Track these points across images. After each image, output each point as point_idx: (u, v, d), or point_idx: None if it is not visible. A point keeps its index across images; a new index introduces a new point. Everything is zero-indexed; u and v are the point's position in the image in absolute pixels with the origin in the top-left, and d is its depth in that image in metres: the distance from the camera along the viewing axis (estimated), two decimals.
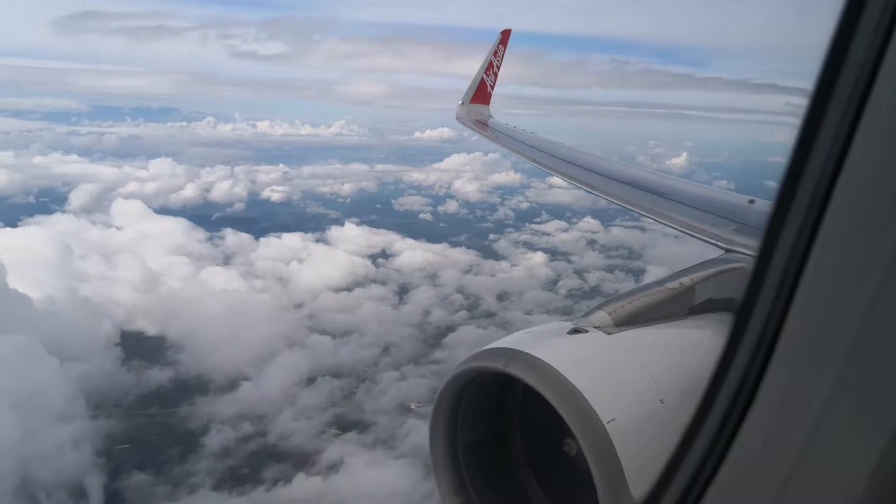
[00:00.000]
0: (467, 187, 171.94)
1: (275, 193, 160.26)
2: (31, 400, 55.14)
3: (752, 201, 6.72)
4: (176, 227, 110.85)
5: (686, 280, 3.71)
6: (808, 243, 1.31)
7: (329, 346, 74.84)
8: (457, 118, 17.23)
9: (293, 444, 58.20)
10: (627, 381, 3.05)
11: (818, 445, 1.30)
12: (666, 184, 8.31)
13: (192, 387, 65.87)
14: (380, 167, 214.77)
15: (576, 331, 3.21)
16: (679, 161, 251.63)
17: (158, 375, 67.12)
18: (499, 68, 17.95)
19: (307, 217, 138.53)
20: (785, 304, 1.36)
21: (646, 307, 3.43)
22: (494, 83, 17.80)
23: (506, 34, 18.26)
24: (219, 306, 79.76)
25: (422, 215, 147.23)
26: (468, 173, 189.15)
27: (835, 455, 1.30)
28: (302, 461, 55.89)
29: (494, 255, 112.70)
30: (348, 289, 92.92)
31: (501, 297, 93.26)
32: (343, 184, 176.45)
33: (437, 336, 79.89)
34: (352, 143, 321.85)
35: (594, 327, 3.26)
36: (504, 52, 18.20)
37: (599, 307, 3.39)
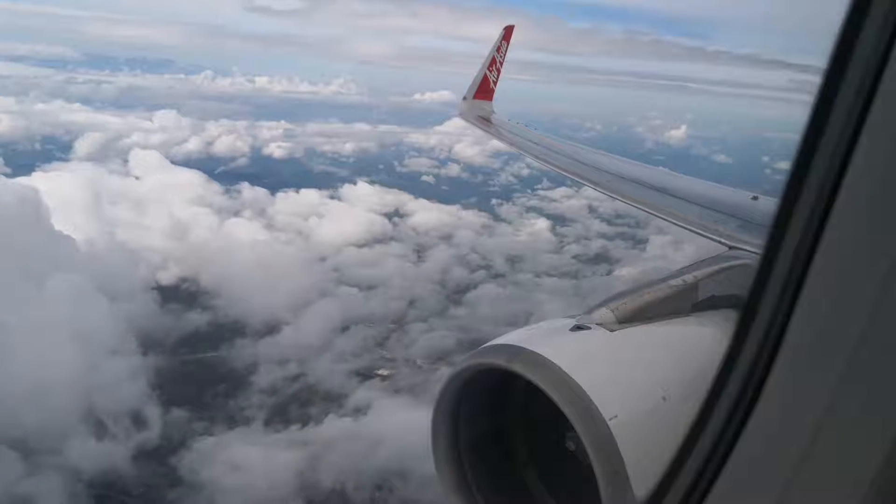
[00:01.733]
0: (468, 151, 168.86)
1: (278, 150, 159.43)
2: (87, 335, 57.83)
3: (755, 198, 6.55)
4: (193, 179, 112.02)
5: (689, 277, 3.63)
6: (814, 241, 1.28)
7: (357, 297, 78.11)
8: (459, 114, 17.12)
9: (325, 388, 60.88)
10: (630, 378, 2.98)
11: (823, 445, 1.28)
12: (669, 181, 8.16)
13: (230, 331, 68.76)
14: (382, 128, 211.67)
15: (578, 328, 3.14)
16: (678, 133, 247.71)
17: (196, 319, 70.01)
18: (501, 64, 17.83)
19: (314, 175, 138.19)
20: (790, 302, 1.33)
21: (649, 304, 3.35)
22: (497, 79, 17.67)
23: (509, 30, 18.19)
24: (248, 256, 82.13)
25: (424, 177, 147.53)
26: (468, 137, 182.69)
27: (839, 454, 1.28)
28: (332, 403, 58.54)
29: (504, 219, 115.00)
30: (369, 244, 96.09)
31: (514, 259, 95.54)
32: (345, 143, 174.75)
33: (458, 292, 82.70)
34: (351, 102, 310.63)
35: (597, 324, 3.17)
36: (507, 47, 18.07)
37: (602, 304, 3.32)
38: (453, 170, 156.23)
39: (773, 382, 1.39)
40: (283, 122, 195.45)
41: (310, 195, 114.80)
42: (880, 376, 1.24)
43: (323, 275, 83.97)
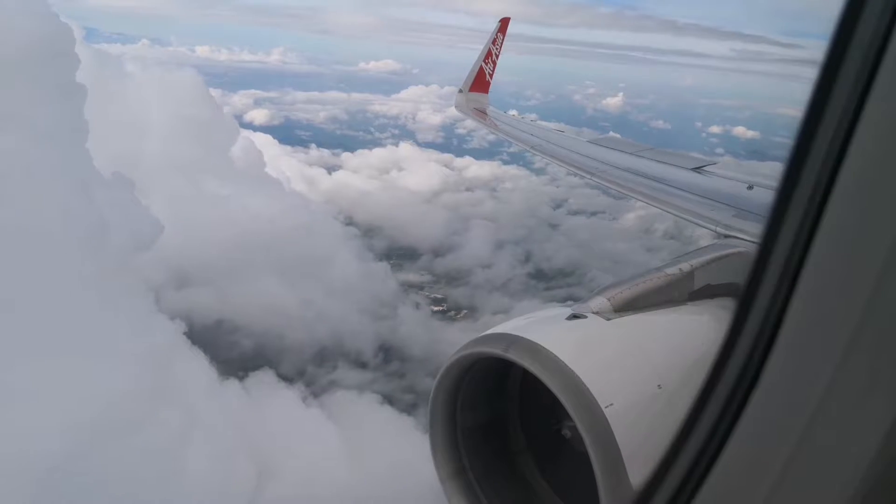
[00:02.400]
0: (433, 119, 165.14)
1: (261, 116, 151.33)
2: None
3: (750, 187, 6.56)
4: (265, 141, 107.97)
5: (685, 266, 3.60)
6: (812, 228, 1.28)
7: (489, 224, 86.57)
8: (455, 107, 16.93)
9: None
10: (626, 367, 2.97)
11: (819, 434, 1.29)
12: (664, 170, 8.15)
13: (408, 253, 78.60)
14: (355, 96, 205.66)
15: (574, 316, 3.13)
16: (615, 101, 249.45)
17: (378, 244, 77.88)
18: (497, 56, 17.62)
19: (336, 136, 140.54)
20: (787, 292, 1.32)
21: (644, 293, 3.34)
22: (493, 72, 17.46)
23: (504, 22, 18.05)
24: (378, 199, 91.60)
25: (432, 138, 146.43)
26: (427, 104, 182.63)
27: (836, 441, 1.29)
28: None
29: (541, 170, 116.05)
30: (450, 191, 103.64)
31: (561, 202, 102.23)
32: (319, 111, 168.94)
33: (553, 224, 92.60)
34: (302, 71, 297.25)
35: (593, 313, 3.16)
36: (503, 40, 17.87)
37: (598, 293, 3.30)
38: (429, 135, 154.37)
39: (770, 370, 1.38)
40: (252, 90, 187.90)
41: (372, 154, 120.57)
42: (877, 364, 1.25)
43: (444, 211, 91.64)
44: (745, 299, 1.45)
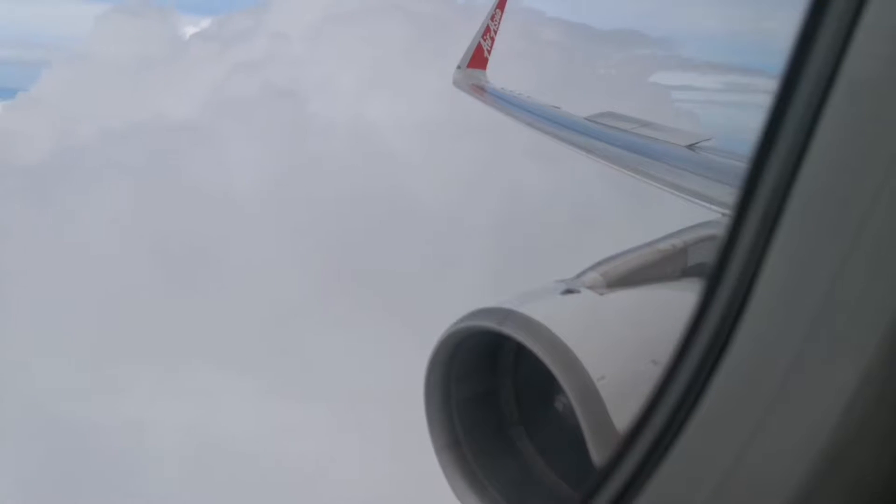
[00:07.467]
0: None
1: None
2: None
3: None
4: None
5: (678, 242, 3.64)
6: (786, 191, 1.28)
7: None
8: (454, 83, 16.66)
9: None
10: (618, 341, 3.03)
11: (788, 396, 1.30)
12: (659, 148, 8.23)
13: None
14: None
15: (568, 291, 3.17)
16: None
17: None
18: (496, 33, 17.51)
19: None
20: (755, 265, 1.34)
21: (638, 268, 3.38)
22: (491, 48, 17.34)
23: None
24: None
25: None
26: None
27: (807, 400, 1.30)
28: None
29: None
30: None
31: None
32: None
33: None
34: None
35: (586, 288, 3.20)
36: (501, 16, 17.84)
37: (591, 268, 3.34)
38: None
39: (739, 339, 1.37)
40: None
41: None
42: (846, 326, 1.25)
43: None
44: (714, 274, 1.47)
